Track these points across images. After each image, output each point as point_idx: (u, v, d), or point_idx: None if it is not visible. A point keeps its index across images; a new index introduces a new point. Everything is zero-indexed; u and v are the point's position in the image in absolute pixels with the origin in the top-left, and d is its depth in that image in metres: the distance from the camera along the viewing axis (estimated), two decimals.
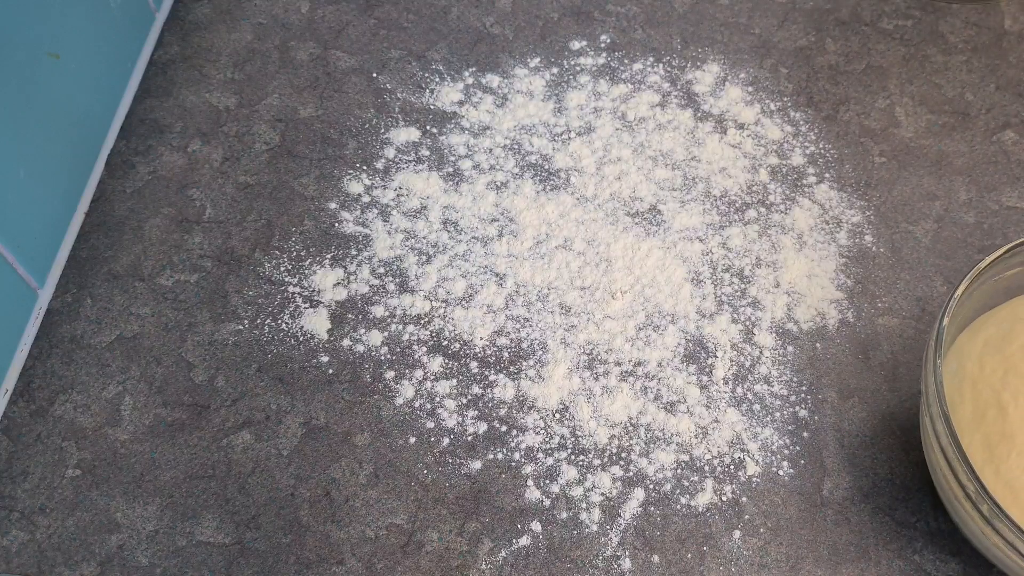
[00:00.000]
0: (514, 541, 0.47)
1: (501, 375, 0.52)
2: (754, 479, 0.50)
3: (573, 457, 0.50)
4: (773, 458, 0.50)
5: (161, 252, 0.55)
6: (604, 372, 0.52)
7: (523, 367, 0.52)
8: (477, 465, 0.49)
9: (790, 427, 0.51)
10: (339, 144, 0.60)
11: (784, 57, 0.65)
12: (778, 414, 0.52)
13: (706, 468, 0.50)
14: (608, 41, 0.66)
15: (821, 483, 0.50)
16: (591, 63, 0.64)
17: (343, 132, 0.60)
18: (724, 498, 0.49)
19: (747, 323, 0.55)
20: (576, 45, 0.65)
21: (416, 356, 0.52)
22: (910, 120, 0.63)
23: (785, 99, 0.63)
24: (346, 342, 0.52)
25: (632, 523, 0.48)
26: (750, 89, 0.63)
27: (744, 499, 0.49)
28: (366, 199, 0.58)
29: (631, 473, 0.49)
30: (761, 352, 0.54)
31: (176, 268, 0.54)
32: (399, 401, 0.51)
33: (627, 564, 0.47)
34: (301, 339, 0.52)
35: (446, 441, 0.50)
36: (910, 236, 0.58)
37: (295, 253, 0.55)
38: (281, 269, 0.55)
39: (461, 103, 0.62)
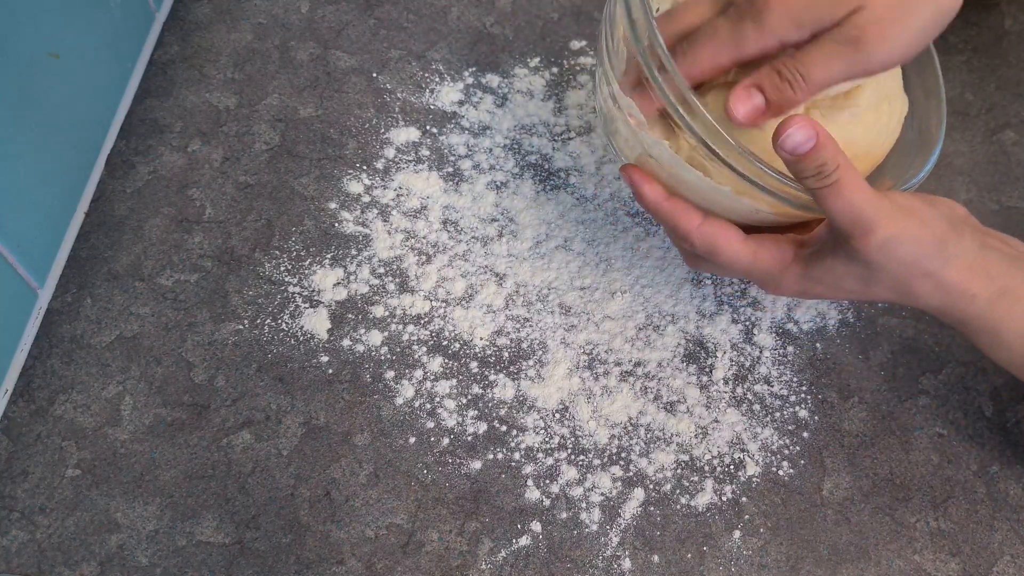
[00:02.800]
0: (514, 541, 0.47)
1: (501, 375, 0.52)
2: (754, 479, 0.50)
3: (573, 457, 0.50)
4: (773, 458, 0.50)
5: (161, 252, 0.55)
6: (604, 372, 0.52)
7: (523, 367, 0.52)
8: (477, 465, 0.49)
9: (790, 427, 0.51)
10: (339, 144, 0.60)
11: None
12: (778, 414, 0.52)
13: (706, 468, 0.50)
14: None
15: (821, 483, 0.50)
16: (591, 63, 0.64)
17: (343, 132, 0.60)
18: (724, 498, 0.49)
19: (747, 323, 0.55)
20: (576, 45, 0.65)
21: (416, 356, 0.52)
22: None
23: None
24: (346, 342, 0.52)
25: (632, 523, 0.48)
26: None
27: (744, 499, 0.49)
28: (366, 199, 0.58)
29: (631, 473, 0.49)
30: (761, 352, 0.54)
31: (176, 268, 0.54)
32: (399, 401, 0.51)
33: (627, 564, 0.47)
34: (301, 339, 0.52)
35: (446, 441, 0.50)
36: None
37: (295, 253, 0.55)
38: (281, 269, 0.55)
39: (461, 103, 0.62)
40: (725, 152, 0.40)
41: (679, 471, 0.50)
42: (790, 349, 0.54)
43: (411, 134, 0.60)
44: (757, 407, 0.52)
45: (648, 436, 0.51)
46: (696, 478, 0.50)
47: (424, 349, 0.52)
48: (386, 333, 0.53)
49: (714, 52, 0.42)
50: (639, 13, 0.41)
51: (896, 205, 0.40)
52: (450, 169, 0.59)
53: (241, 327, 0.53)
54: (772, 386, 0.53)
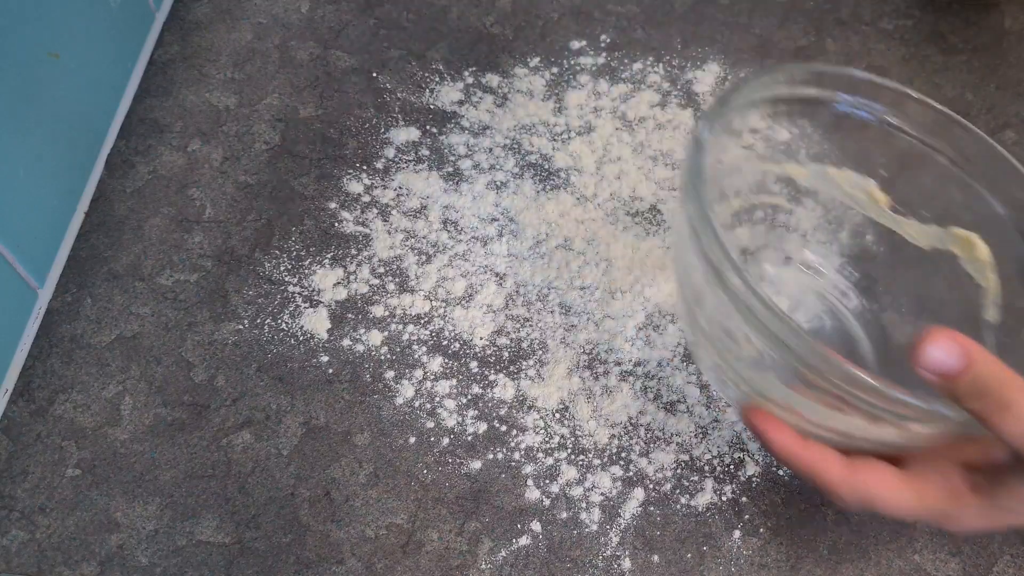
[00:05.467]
0: (514, 541, 0.47)
1: (501, 375, 0.52)
2: (754, 479, 0.50)
3: (573, 457, 0.50)
4: (773, 458, 0.50)
5: (161, 252, 0.55)
6: (604, 372, 0.52)
7: (523, 367, 0.52)
8: (477, 465, 0.49)
9: None
10: (339, 144, 0.60)
11: (784, 57, 0.65)
12: None
13: (706, 468, 0.50)
14: (608, 41, 0.66)
15: None
16: (591, 63, 0.64)
17: (343, 132, 0.60)
18: (724, 498, 0.49)
19: None
20: (576, 45, 0.65)
21: (416, 356, 0.52)
22: None
23: None
24: (346, 342, 0.52)
25: (632, 523, 0.48)
26: None
27: (744, 499, 0.49)
28: (366, 199, 0.58)
29: (631, 473, 0.49)
30: None
31: (176, 268, 0.54)
32: (399, 401, 0.51)
33: (627, 564, 0.47)
34: (301, 339, 0.52)
35: (446, 441, 0.50)
36: None
37: (295, 253, 0.55)
38: (281, 269, 0.55)
39: (461, 103, 0.62)
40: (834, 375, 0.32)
41: (679, 471, 0.50)
42: None
43: (411, 134, 0.60)
44: None
45: (648, 436, 0.51)
46: (696, 478, 0.50)
47: (424, 349, 0.52)
48: (386, 333, 0.53)
49: None
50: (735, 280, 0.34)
51: None
52: (450, 169, 0.59)
53: (241, 327, 0.53)
54: None
